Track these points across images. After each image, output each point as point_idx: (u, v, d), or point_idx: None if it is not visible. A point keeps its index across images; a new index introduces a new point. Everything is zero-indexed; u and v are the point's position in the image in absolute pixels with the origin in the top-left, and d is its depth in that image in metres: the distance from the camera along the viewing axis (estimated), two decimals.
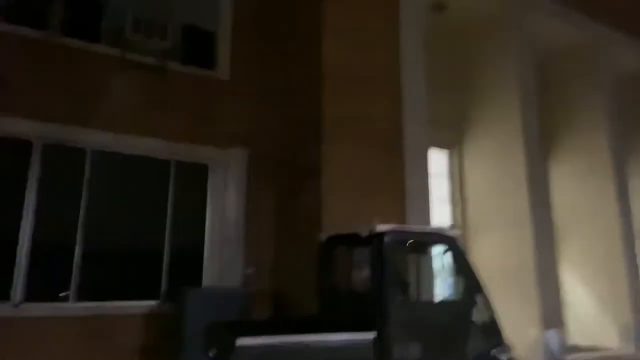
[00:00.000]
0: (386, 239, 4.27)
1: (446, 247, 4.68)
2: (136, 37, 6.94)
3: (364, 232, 4.46)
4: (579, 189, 10.73)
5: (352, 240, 4.87)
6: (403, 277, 4.68)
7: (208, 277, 7.13)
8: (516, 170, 9.33)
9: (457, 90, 10.30)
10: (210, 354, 4.39)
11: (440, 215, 9.64)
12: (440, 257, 4.79)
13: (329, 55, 7.24)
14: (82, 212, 6.45)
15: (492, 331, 4.56)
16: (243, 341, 3.62)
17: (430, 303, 5.40)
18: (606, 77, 11.21)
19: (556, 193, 10.84)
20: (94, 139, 6.65)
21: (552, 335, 8.38)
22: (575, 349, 9.44)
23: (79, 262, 6.32)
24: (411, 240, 4.74)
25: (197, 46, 7.85)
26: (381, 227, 4.34)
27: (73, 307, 6.17)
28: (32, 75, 6.43)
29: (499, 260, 8.86)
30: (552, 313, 8.67)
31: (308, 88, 7.44)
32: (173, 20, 7.36)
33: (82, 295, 6.28)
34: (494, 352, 4.50)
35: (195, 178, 7.42)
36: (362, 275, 4.70)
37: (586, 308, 10.53)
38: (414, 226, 5.32)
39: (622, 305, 10.03)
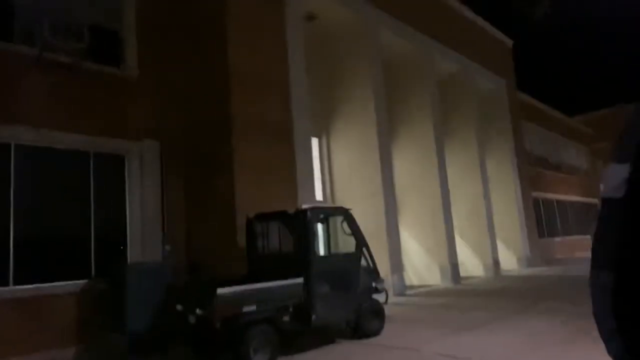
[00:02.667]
0: (308, 214, 6.14)
1: (343, 217, 6.77)
2: (54, 38, 7.37)
3: (291, 210, 6.25)
4: (412, 168, 13.95)
5: (278, 216, 6.61)
6: (317, 239, 6.62)
7: (132, 255, 8.11)
8: (371, 154, 11.92)
9: (325, 87, 12.43)
10: (178, 308, 5.76)
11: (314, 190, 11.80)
12: (340, 224, 6.83)
13: (233, 61, 8.65)
14: (12, 203, 6.90)
15: (372, 271, 6.82)
16: (221, 290, 5.16)
17: (335, 255, 7.51)
18: (431, 79, 14.50)
19: (397, 170, 13.87)
20: (17, 134, 7.05)
21: (397, 278, 11.29)
22: (412, 287, 12.64)
23: (13, 249, 6.82)
24: (322, 214, 6.74)
25: (106, 45, 8.45)
26: (304, 206, 6.19)
27: (12, 290, 6.72)
28: None
29: (360, 224, 11.39)
30: (397, 261, 11.58)
31: (215, 89, 8.75)
32: (86, 22, 7.89)
33: (19, 279, 6.83)
34: (374, 283, 6.79)
35: (113, 168, 8.22)
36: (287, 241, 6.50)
37: (418, 257, 13.94)
38: (324, 204, 7.25)
39: (442, 254, 13.59)
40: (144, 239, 8.27)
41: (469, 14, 17.46)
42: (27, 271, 6.93)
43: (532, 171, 21.56)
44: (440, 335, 6.67)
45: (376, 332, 6.70)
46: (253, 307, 5.36)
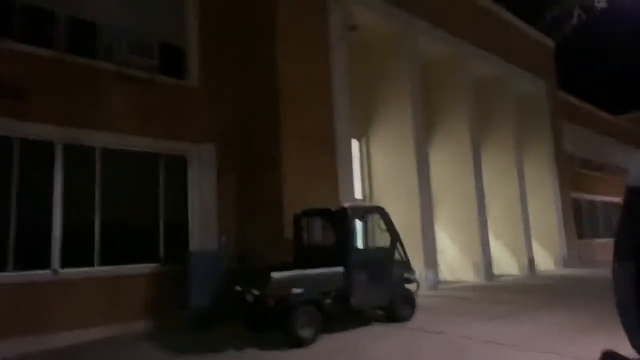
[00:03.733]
0: (348, 212, 7.04)
1: (380, 215, 7.63)
2: (131, 55, 8.58)
3: (334, 208, 7.17)
4: (448, 168, 14.55)
5: (322, 213, 7.54)
6: (356, 234, 7.51)
7: (193, 244, 9.26)
8: (407, 155, 12.66)
9: (365, 92, 13.24)
10: (237, 289, 6.78)
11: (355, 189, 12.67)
12: (377, 222, 7.68)
13: (282, 72, 9.62)
14: (97, 197, 8.16)
15: (405, 263, 7.64)
16: (275, 274, 6.14)
17: (372, 249, 8.38)
18: (468, 82, 15.00)
19: (433, 172, 14.51)
20: (101, 139, 8.30)
21: (430, 273, 12.00)
22: (446, 282, 13.30)
23: (99, 237, 8.08)
24: (361, 212, 7.63)
25: (173, 60, 9.62)
26: (345, 205, 7.09)
27: (98, 270, 7.98)
28: (48, 87, 7.83)
29: (397, 220, 12.17)
30: (431, 257, 12.29)
31: (266, 97, 9.75)
32: (157, 40, 9.07)
33: (103, 261, 8.08)
34: (406, 274, 7.61)
35: (177, 167, 9.39)
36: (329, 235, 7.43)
37: (452, 253, 14.55)
38: (363, 203, 8.12)
39: (475, 251, 14.14)
40: (202, 229, 9.40)
41: (506, 15, 17.76)
42: (109, 255, 8.17)
43: (574, 172, 21.55)
44: (466, 322, 7.41)
45: (407, 318, 7.53)
46: (300, 290, 6.31)
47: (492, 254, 14.69)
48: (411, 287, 7.81)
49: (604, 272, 15.83)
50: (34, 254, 7.45)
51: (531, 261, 16.35)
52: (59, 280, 7.58)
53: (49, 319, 7.30)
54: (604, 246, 23.60)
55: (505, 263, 16.37)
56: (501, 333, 6.58)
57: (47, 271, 7.51)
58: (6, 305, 6.99)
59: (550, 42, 20.51)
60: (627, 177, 0.98)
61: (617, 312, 0.98)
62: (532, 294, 11.15)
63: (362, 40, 12.96)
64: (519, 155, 17.02)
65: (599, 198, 24.84)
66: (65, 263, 7.70)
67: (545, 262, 18.03)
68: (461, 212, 14.44)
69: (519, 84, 17.79)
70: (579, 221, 21.98)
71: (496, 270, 14.93)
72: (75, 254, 7.83)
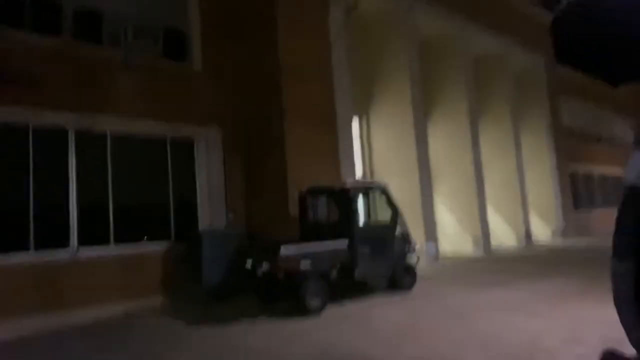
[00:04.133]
0: (351, 190, 7.40)
1: (381, 192, 8.00)
2: (136, 42, 8.81)
3: (336, 187, 7.53)
4: (447, 143, 14.86)
5: (326, 191, 7.91)
6: (358, 210, 7.90)
7: (202, 222, 9.67)
8: (407, 132, 12.96)
9: (364, 70, 13.44)
10: (247, 266, 7.19)
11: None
12: (378, 198, 8.06)
13: (283, 54, 9.85)
14: (110, 180, 8.52)
15: (406, 237, 8.06)
16: (284, 249, 6.55)
17: (374, 224, 8.78)
18: (465, 59, 15.18)
19: (432, 147, 14.82)
20: (111, 124, 8.61)
21: (430, 245, 12.45)
22: (445, 255, 13.77)
23: (112, 217, 8.48)
24: (363, 189, 8.00)
25: (176, 45, 9.84)
26: (348, 183, 7.45)
27: (114, 249, 8.40)
28: (58, 76, 8.10)
29: (398, 195, 12.55)
30: (431, 230, 12.72)
31: (267, 78, 10.00)
32: (161, 25, 9.28)
33: (118, 240, 8.49)
34: (407, 247, 8.03)
35: (185, 150, 9.72)
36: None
37: (451, 227, 14.99)
38: (365, 181, 8.49)
39: (474, 225, 14.57)
40: (210, 208, 9.80)
41: None
42: (122, 234, 8.58)
43: (571, 144, 21.82)
44: (463, 290, 7.86)
45: (409, 287, 7.98)
46: (308, 263, 6.73)
47: (490, 226, 15.13)
48: (412, 259, 8.24)
49: (599, 241, 16.31)
50: (53, 235, 7.86)
51: (528, 232, 16.81)
52: (78, 258, 8.01)
53: (69, 296, 7.75)
54: (602, 216, 24.09)
55: (503, 234, 16.83)
56: (495, 299, 7.03)
57: (67, 250, 7.93)
58: (29, 283, 7.44)
59: (547, 18, 20.52)
60: (625, 177, 0.98)
61: (615, 309, 1.00)
62: (527, 264, 11.62)
63: (361, 19, 13.10)
64: (517, 129, 17.31)
65: (596, 169, 25.18)
66: (82, 242, 8.12)
67: (543, 233, 18.51)
68: (460, 186, 14.81)
69: (517, 60, 17.94)
70: (576, 192, 22.39)
71: (494, 241, 15.39)
72: (91, 234, 8.25)
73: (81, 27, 8.59)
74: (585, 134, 25.04)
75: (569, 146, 21.16)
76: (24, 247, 7.55)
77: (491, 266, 11.34)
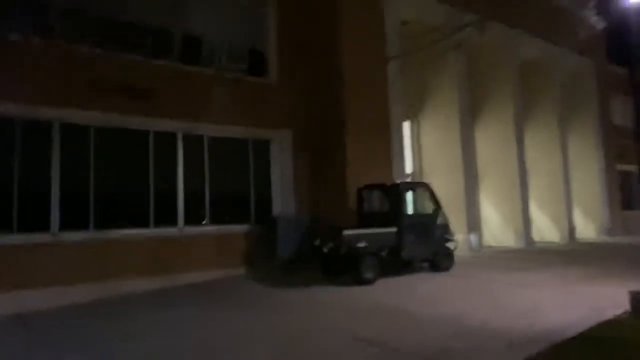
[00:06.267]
0: (400, 186, 9.14)
1: (425, 188, 9.68)
2: (227, 60, 10.92)
3: (389, 183, 9.29)
4: (492, 146, 16.12)
5: (379, 187, 9.69)
6: (406, 203, 9.62)
7: (275, 210, 11.70)
8: (453, 134, 14.41)
9: (415, 78, 14.97)
10: (315, 244, 9.11)
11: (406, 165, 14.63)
12: (422, 193, 9.73)
13: (347, 68, 11.62)
14: (206, 174, 10.71)
15: (446, 228, 9.69)
16: (346, 232, 8.40)
17: (419, 214, 10.48)
18: (512, 67, 16.30)
19: (479, 149, 16.14)
20: (207, 129, 10.77)
21: (473, 236, 13.89)
22: (489, 246, 15.13)
23: (208, 203, 10.67)
24: (410, 186, 9.72)
25: (257, 63, 11.89)
26: (398, 181, 9.19)
27: (211, 228, 10.59)
28: (169, 89, 10.31)
29: (444, 191, 14.07)
30: (473, 223, 14.15)
31: (332, 90, 11.82)
32: (245, 47, 11.35)
33: (213, 221, 10.68)
34: (447, 236, 9.67)
35: (263, 149, 11.78)
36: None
37: (495, 221, 16.27)
38: (411, 180, 10.20)
39: (517, 219, 15.77)
40: (282, 198, 11.82)
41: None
42: (216, 217, 10.76)
43: (621, 144, 22.08)
44: (495, 272, 9.40)
45: (447, 268, 9.63)
46: (364, 244, 8.55)
47: (534, 223, 16.28)
48: (451, 245, 9.85)
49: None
50: (166, 216, 10.13)
51: (572, 229, 17.72)
52: (183, 234, 10.25)
53: (176, 263, 9.98)
54: None
55: (548, 231, 17.83)
56: (520, 279, 8.55)
57: (176, 228, 10.20)
58: (150, 253, 9.72)
59: (599, 21, 20.93)
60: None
61: None
62: (560, 255, 12.83)
63: (413, 32, 14.60)
64: (563, 131, 18.17)
65: None
66: (187, 222, 10.37)
67: (588, 230, 19.26)
68: (505, 184, 16.03)
69: (565, 64, 18.71)
70: (629, 192, 22.69)
71: (538, 238, 16.52)
72: (193, 216, 10.48)
73: (186, 50, 10.78)
74: (638, 132, 25.04)
75: (619, 146, 21.52)
76: (146, 225, 9.86)
77: (526, 256, 12.66)
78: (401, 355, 4.49)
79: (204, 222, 10.63)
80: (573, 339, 4.81)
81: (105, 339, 5.43)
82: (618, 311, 5.83)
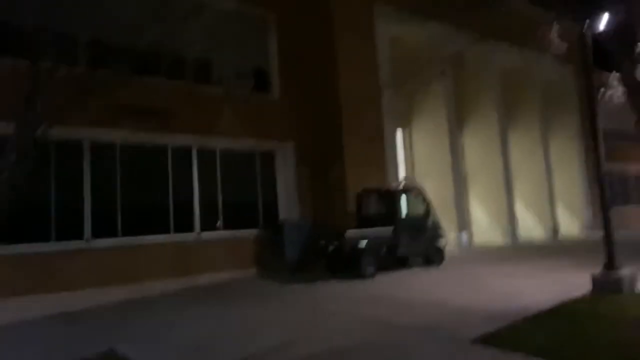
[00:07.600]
0: (395, 190, 10.27)
1: (418, 192, 10.83)
2: (236, 81, 12.03)
3: (384, 188, 10.43)
4: (479, 150, 17.33)
5: (376, 191, 10.81)
6: (401, 206, 10.76)
7: (281, 215, 12.79)
8: (443, 141, 15.60)
9: (407, 91, 16.11)
10: (321, 243, 10.19)
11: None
12: (415, 196, 10.88)
13: (343, 85, 12.76)
14: (219, 182, 11.79)
15: (437, 226, 10.83)
16: (348, 232, 9.51)
17: (412, 216, 11.62)
18: (494, 76, 17.51)
19: (467, 154, 17.32)
20: (219, 142, 11.85)
21: (463, 235, 15.05)
22: (477, 244, 16.29)
23: (222, 211, 11.74)
24: (403, 190, 10.87)
25: (261, 80, 13.01)
26: (393, 185, 10.33)
27: (224, 233, 11.66)
28: (183, 108, 11.38)
29: (435, 194, 15.21)
30: (463, 223, 15.32)
31: (331, 106, 12.95)
32: (250, 66, 12.47)
33: (226, 227, 11.75)
34: (437, 234, 10.81)
35: (268, 160, 12.88)
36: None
37: (483, 220, 17.44)
38: (407, 184, 11.38)
39: (503, 218, 16.96)
40: (287, 205, 12.91)
41: (530, 11, 19.74)
42: (228, 223, 11.83)
43: (604, 144, 23.31)
44: (481, 266, 10.53)
45: (438, 263, 10.77)
46: (364, 243, 9.65)
47: (519, 221, 17.46)
48: (441, 242, 10.99)
49: (622, 234, 18.00)
50: (184, 223, 11.19)
51: (555, 227, 18.94)
52: (200, 239, 11.32)
53: (193, 266, 11.02)
54: (635, 212, 25.46)
55: (532, 229, 19.03)
56: (502, 270, 9.69)
57: (193, 234, 11.26)
58: (169, 257, 10.76)
59: (576, 29, 22.14)
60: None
61: None
62: (543, 250, 14.01)
63: (402, 47, 15.75)
64: (545, 134, 19.42)
65: (632, 166, 26.42)
66: (202, 229, 11.43)
67: (571, 227, 20.48)
68: (492, 186, 17.23)
69: (545, 71, 19.94)
70: (611, 189, 23.88)
71: (524, 235, 17.71)
72: (208, 223, 11.54)
73: (198, 72, 11.88)
74: (620, 132, 26.36)
75: (607, 147, 22.66)
76: (166, 231, 10.91)
77: (511, 252, 13.83)
78: (400, 328, 5.59)
79: (218, 225, 11.71)
80: (542, 312, 5.92)
81: (151, 329, 6.44)
82: (583, 291, 6.97)
